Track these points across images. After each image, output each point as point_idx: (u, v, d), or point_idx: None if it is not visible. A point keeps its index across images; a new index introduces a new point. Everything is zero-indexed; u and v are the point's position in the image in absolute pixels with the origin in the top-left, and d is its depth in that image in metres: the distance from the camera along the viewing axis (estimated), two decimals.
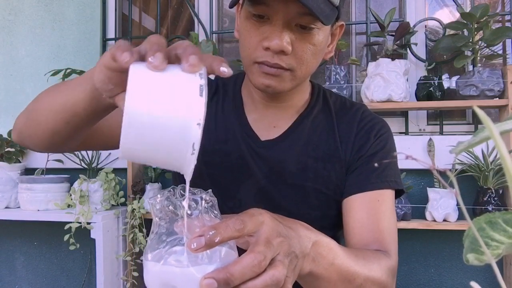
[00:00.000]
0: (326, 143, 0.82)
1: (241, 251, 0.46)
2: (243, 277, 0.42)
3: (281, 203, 0.79)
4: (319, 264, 0.54)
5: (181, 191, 0.46)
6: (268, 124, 0.83)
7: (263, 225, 0.46)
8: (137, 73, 0.41)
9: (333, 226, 0.82)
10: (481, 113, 0.21)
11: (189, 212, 0.45)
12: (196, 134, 0.42)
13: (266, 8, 0.69)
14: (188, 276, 0.42)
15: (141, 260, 1.79)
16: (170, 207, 0.46)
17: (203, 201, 0.46)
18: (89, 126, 0.66)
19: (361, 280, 0.60)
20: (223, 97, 0.87)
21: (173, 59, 0.45)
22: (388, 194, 0.78)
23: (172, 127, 0.41)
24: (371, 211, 0.76)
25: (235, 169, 0.81)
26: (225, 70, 0.46)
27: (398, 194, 0.82)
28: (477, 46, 1.64)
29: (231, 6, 0.73)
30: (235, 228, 0.43)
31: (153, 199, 0.46)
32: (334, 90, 1.67)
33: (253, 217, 0.45)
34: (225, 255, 0.45)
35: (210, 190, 0.47)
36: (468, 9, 1.74)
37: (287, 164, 0.80)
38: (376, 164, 0.78)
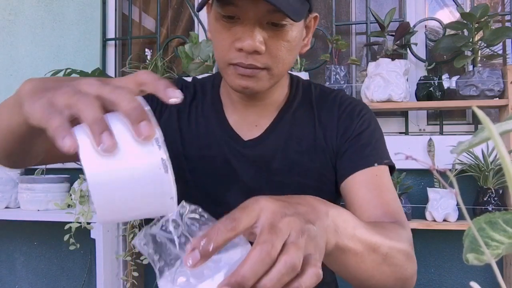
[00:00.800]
0: (308, 135, 0.81)
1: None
2: (256, 275, 0.37)
3: None
4: (342, 235, 0.50)
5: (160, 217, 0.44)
6: (250, 123, 0.83)
7: (262, 212, 0.41)
8: (89, 161, 0.38)
9: None
10: (480, 113, 0.21)
11: (177, 236, 0.42)
12: (171, 206, 0.41)
13: (235, 9, 0.68)
14: None
15: (141, 260, 1.80)
16: (157, 239, 0.43)
17: (186, 218, 0.43)
18: (42, 142, 0.61)
19: (386, 249, 0.57)
20: (202, 100, 0.86)
21: (108, 105, 0.40)
22: (383, 169, 0.78)
23: (145, 206, 0.40)
24: (372, 185, 0.75)
25: (221, 173, 0.80)
26: (176, 101, 0.41)
27: (391, 172, 0.81)
28: (477, 46, 1.64)
29: (198, 10, 0.72)
30: (227, 228, 0.39)
31: (136, 241, 0.44)
32: None
33: (246, 209, 0.41)
34: (232, 256, 0.41)
35: (182, 203, 0.44)
36: (468, 9, 1.74)
37: (273, 162, 0.80)
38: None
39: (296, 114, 0.83)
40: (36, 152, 0.65)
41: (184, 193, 0.83)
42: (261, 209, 0.42)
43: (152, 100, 0.83)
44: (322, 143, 0.81)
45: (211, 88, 0.87)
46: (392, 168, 0.81)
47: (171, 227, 0.42)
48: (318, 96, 0.86)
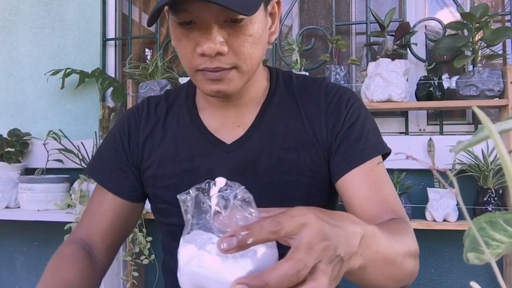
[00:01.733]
0: (294, 130, 0.78)
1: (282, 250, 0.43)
2: (279, 286, 0.38)
3: (260, 204, 0.77)
4: (367, 257, 0.50)
5: (213, 185, 0.45)
6: (232, 125, 0.80)
7: (305, 228, 0.41)
8: None
9: None
10: (480, 113, 0.21)
11: (218, 209, 0.43)
12: None
13: (188, 15, 0.66)
14: (218, 277, 0.40)
15: (141, 260, 1.80)
16: (202, 204, 0.44)
17: (235, 199, 0.43)
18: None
19: (401, 257, 0.59)
20: (178, 111, 0.84)
21: None
22: (378, 160, 0.76)
23: None
24: (370, 183, 0.74)
25: None
26: None
27: (386, 156, 0.80)
28: (477, 46, 1.64)
29: (149, 24, 0.69)
30: (270, 230, 0.39)
31: (184, 196, 0.45)
32: None
33: (293, 219, 0.41)
34: (261, 255, 0.42)
35: (243, 187, 0.45)
36: (468, 9, 1.74)
37: (260, 161, 0.77)
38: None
39: (279, 109, 0.80)
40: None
41: (172, 211, 0.82)
42: (305, 224, 0.41)
43: (119, 136, 0.85)
44: (311, 138, 0.77)
45: (186, 97, 0.85)
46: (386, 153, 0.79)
47: (220, 202, 0.43)
48: (300, 87, 0.82)
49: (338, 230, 0.44)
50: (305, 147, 0.77)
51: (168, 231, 0.85)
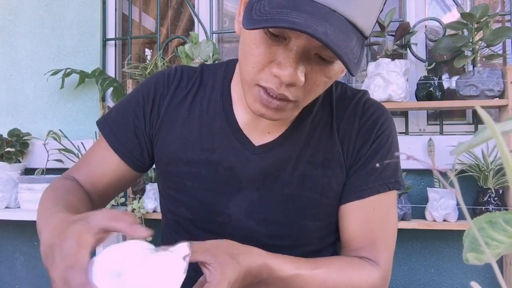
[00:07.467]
0: (325, 146, 0.73)
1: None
2: None
3: (274, 216, 0.73)
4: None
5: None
6: (263, 127, 0.74)
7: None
8: None
9: (334, 232, 0.78)
10: (483, 113, 0.21)
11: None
12: None
13: (287, 30, 0.56)
14: None
15: None
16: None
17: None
18: None
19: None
20: (210, 94, 0.76)
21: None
22: (385, 197, 0.74)
23: None
24: (365, 221, 0.73)
25: (224, 181, 0.72)
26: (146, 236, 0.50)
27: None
28: (477, 46, 1.64)
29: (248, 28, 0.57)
30: None
31: None
32: None
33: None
34: None
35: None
36: (468, 9, 1.74)
37: (283, 172, 0.72)
38: (377, 165, 0.74)
39: (316, 120, 0.75)
40: None
41: (179, 201, 0.81)
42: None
43: (144, 100, 0.80)
44: (340, 158, 0.74)
45: (222, 80, 0.77)
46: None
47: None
48: (338, 98, 0.77)
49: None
50: (332, 167, 0.73)
51: (173, 221, 0.80)
